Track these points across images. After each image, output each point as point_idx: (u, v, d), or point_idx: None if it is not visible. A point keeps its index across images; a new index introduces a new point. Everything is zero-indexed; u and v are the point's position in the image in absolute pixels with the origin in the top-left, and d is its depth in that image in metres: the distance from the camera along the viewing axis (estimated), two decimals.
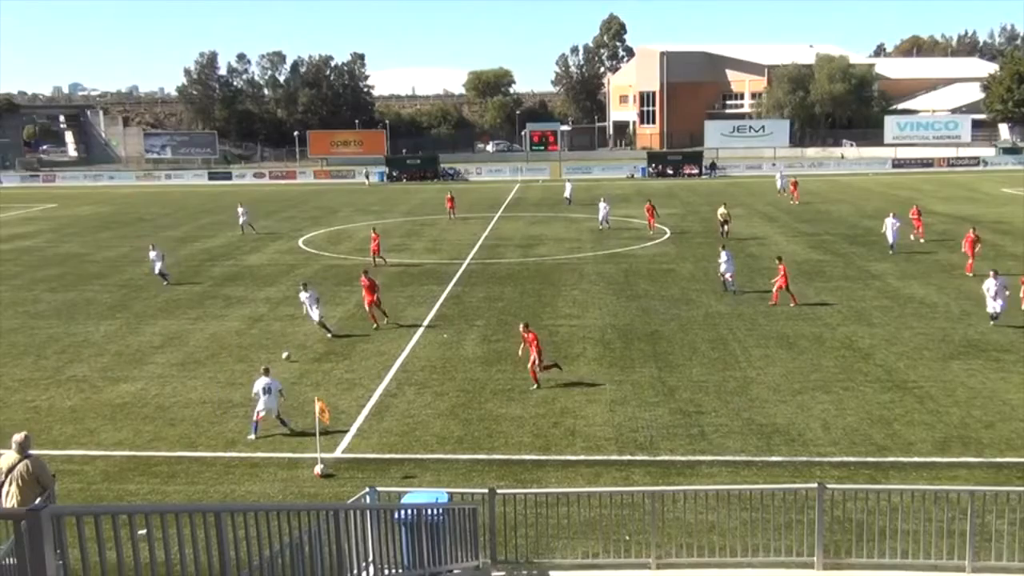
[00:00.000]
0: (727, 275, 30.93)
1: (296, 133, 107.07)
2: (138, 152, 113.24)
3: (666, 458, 16.69)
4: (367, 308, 27.60)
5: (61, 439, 18.49)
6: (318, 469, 16.38)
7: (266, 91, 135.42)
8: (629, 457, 16.79)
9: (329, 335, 26.05)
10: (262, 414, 18.31)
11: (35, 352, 25.41)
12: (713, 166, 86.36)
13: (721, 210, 43.61)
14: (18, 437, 11.88)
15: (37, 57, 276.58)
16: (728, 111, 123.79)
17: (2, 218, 61.32)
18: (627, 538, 12.06)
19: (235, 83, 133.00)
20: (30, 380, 22.68)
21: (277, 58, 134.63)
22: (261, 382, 18.40)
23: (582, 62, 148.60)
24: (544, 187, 76.06)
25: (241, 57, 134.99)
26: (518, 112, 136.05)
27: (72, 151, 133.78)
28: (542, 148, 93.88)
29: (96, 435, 18.74)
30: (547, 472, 16.23)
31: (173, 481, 16.33)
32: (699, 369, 22.25)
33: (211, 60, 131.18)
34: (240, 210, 50.77)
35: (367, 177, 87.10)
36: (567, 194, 61.51)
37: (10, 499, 11.36)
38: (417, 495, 12.04)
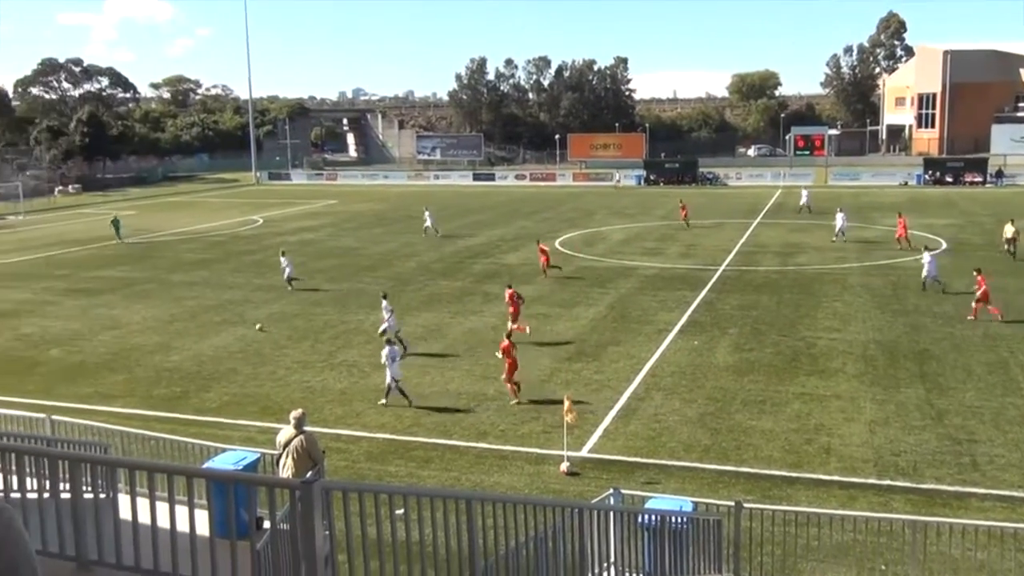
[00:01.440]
0: (930, 276, 31.39)
1: (557, 136, 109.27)
2: (410, 153, 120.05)
3: (931, 487, 15.55)
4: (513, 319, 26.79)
5: (331, 418, 19.96)
6: (564, 466, 16.65)
7: (530, 95, 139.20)
8: (889, 482, 15.80)
9: (404, 350, 24.45)
10: (394, 382, 20.32)
11: (313, 336, 27.58)
12: (1000, 174, 79.28)
13: (1009, 228, 39.59)
14: (296, 414, 12.96)
15: (326, 65, 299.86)
16: (1020, 114, 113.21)
17: (290, 212, 67.08)
18: (883, 568, 11.36)
19: (502, 87, 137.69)
20: (307, 362, 24.65)
21: (543, 63, 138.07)
22: (386, 350, 20.59)
23: (855, 62, 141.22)
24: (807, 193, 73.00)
25: (509, 62, 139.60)
26: (783, 115, 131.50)
27: (352, 152, 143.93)
28: (807, 152, 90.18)
29: (362, 417, 20.07)
30: (797, 490, 15.60)
31: (428, 466, 17.17)
32: (974, 393, 20.55)
33: (480, 66, 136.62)
34: (426, 213, 52.65)
35: (617, 181, 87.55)
36: (804, 202, 58.85)
37: (286, 470, 12.40)
38: (661, 501, 11.95)
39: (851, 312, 29.18)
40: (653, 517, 10.75)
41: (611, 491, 11.78)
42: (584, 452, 17.61)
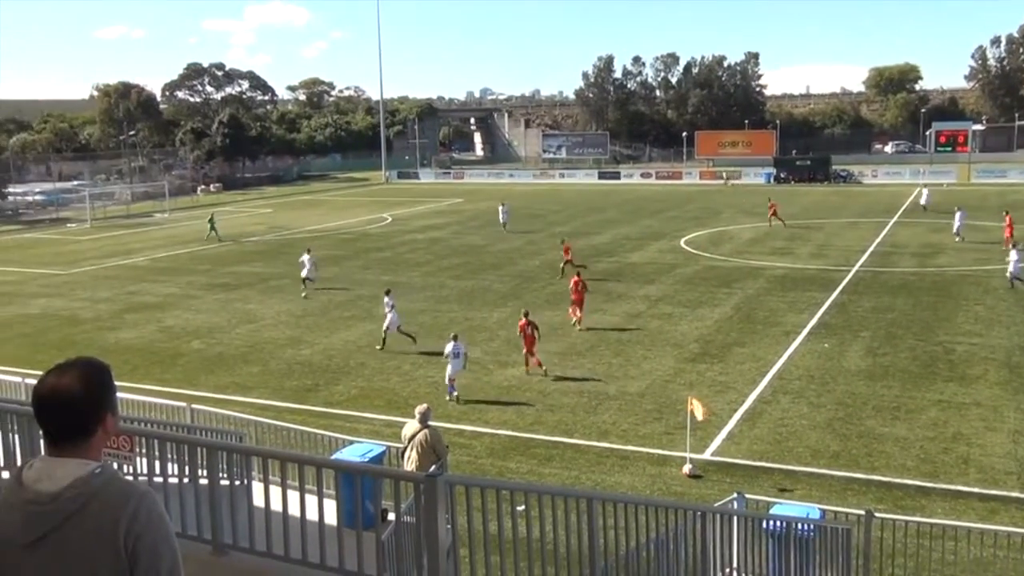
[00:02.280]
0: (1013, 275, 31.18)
1: (684, 134, 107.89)
2: (536, 152, 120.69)
3: None
4: (575, 309, 27.85)
5: (454, 414, 20.25)
6: (687, 468, 16.45)
7: (658, 92, 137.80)
8: None
9: (414, 342, 25.86)
10: (452, 376, 21.01)
11: (438, 333, 27.99)
12: None
13: None
14: (421, 408, 13.23)
15: (454, 66, 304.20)
16: None
17: (417, 211, 68.39)
18: None
19: (629, 85, 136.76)
20: (432, 358, 25.08)
21: (671, 60, 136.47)
22: (450, 346, 21.05)
23: (1003, 54, 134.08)
24: (948, 191, 69.90)
25: (636, 60, 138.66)
26: (923, 110, 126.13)
27: (479, 151, 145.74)
28: (949, 149, 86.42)
29: (484, 413, 20.29)
30: (932, 501, 14.97)
31: (549, 464, 17.23)
32: None
33: (607, 64, 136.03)
34: (501, 208, 54.30)
35: (727, 180, 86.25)
36: (923, 201, 56.20)
37: (411, 464, 12.67)
38: (787, 507, 11.66)
39: (994, 316, 27.79)
40: (778, 523, 10.50)
41: (735, 495, 11.58)
42: (707, 455, 17.34)
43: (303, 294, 34.03)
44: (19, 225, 67.92)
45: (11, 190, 77.46)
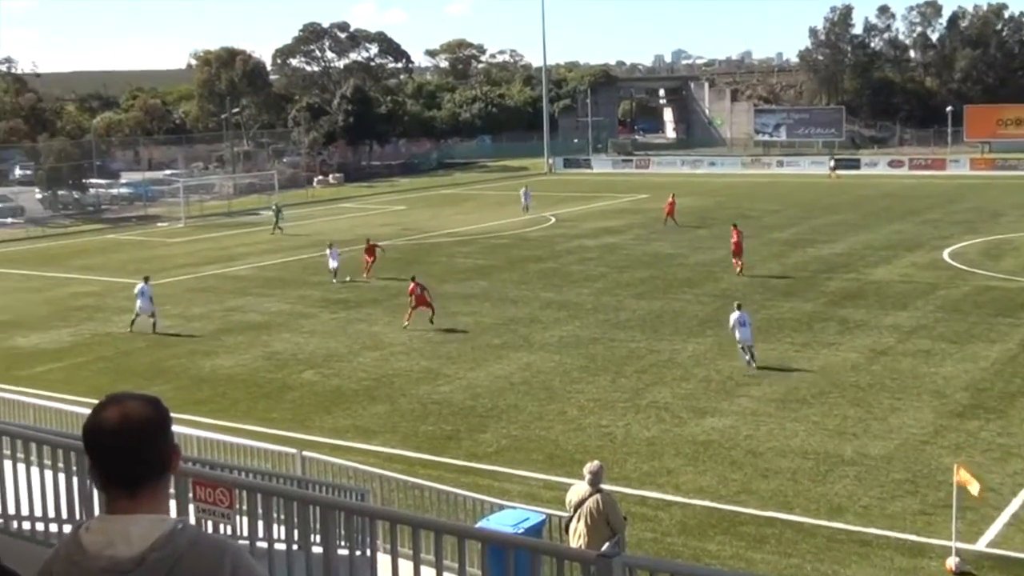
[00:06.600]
0: None
1: (949, 108, 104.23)
2: (745, 133, 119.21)
3: None
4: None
5: (635, 476, 20.11)
6: (952, 562, 15.79)
7: (912, 54, 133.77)
8: None
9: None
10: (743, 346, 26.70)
11: (614, 369, 27.98)
12: None
13: None
14: (592, 467, 13.19)
15: (638, 23, 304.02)
16: None
17: (589, 209, 68.68)
18: None
19: (872, 44, 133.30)
20: (606, 401, 25.03)
21: (930, 10, 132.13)
22: (735, 315, 27.07)
23: None
24: None
25: (883, 10, 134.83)
26: None
27: (670, 131, 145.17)
28: None
29: (675, 476, 20.07)
30: None
31: (761, 547, 16.87)
32: None
33: (844, 16, 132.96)
34: (523, 191, 63.93)
35: (833, 170, 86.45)
36: None
37: (578, 539, 12.63)
38: None
39: None
40: None
41: None
42: (981, 545, 16.62)
43: (346, 278, 42.14)
44: (102, 224, 72.25)
45: (93, 181, 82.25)
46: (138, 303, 34.07)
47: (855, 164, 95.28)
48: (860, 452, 20.90)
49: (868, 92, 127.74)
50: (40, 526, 8.43)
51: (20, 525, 8.48)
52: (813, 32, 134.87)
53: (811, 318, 33.36)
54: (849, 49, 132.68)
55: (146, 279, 35.16)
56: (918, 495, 18.66)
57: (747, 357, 27.26)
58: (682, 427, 22.95)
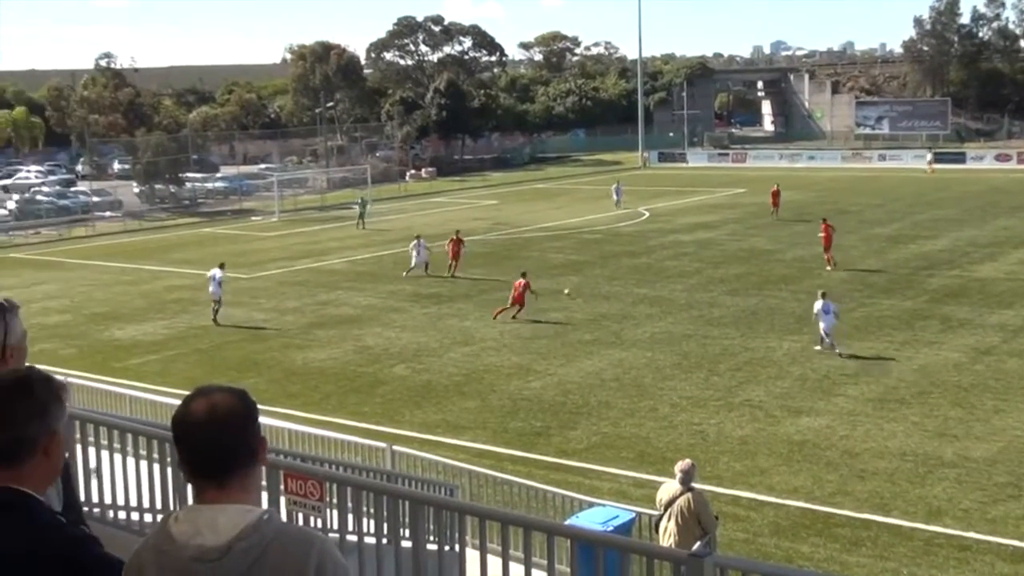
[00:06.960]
0: None
1: None
2: (846, 126, 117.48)
3: None
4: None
5: (727, 475, 20.02)
6: None
7: (1022, 44, 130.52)
8: None
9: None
10: (825, 335, 27.76)
11: (707, 366, 27.84)
12: None
13: None
14: (683, 465, 13.18)
15: (736, 14, 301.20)
16: None
17: (683, 204, 68.30)
18: None
19: (981, 34, 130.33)
20: (699, 399, 24.92)
21: None
22: (819, 304, 28.18)
23: None
24: None
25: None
26: None
27: (768, 125, 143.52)
28: None
29: (768, 476, 19.93)
30: None
31: (856, 550, 16.71)
32: None
33: (951, 6, 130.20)
34: (614, 187, 66.65)
35: (931, 164, 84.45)
36: None
37: (668, 537, 12.65)
38: None
39: None
40: None
41: None
42: None
43: (403, 273, 43.00)
44: (197, 217, 73.73)
45: (189, 176, 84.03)
46: (210, 288, 35.14)
47: (960, 158, 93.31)
48: (961, 454, 20.55)
49: (975, 83, 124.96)
50: (135, 516, 8.67)
51: (116, 515, 8.72)
52: (918, 22, 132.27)
53: (912, 316, 32.85)
54: (956, 39, 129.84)
55: (221, 265, 36.03)
56: (1022, 499, 18.34)
57: (828, 341, 28.07)
58: (776, 426, 22.77)
